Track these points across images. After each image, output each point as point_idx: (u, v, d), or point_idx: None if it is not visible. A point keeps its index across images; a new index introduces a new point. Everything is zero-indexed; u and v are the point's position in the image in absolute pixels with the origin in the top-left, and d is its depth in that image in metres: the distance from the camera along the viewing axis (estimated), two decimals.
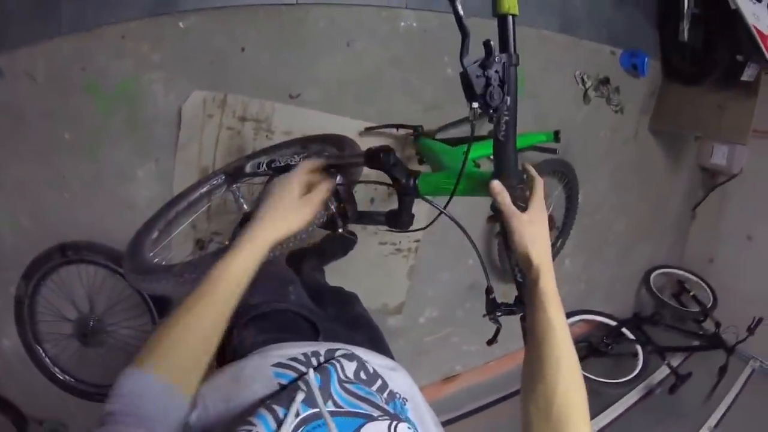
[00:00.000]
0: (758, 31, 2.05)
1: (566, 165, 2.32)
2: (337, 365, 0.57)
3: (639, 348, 2.74)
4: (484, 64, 0.61)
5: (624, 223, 3.09)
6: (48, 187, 1.58)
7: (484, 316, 0.83)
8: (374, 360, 0.65)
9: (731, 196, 3.33)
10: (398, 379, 0.65)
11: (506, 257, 0.78)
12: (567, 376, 0.58)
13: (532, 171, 0.72)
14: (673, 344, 2.88)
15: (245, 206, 1.24)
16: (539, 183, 0.70)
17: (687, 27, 2.42)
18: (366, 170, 0.91)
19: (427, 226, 0.85)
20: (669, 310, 3.19)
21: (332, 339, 0.76)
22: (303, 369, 0.56)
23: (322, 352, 0.61)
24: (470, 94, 0.61)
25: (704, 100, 2.57)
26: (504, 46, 0.62)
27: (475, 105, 0.62)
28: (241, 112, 1.65)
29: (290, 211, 0.73)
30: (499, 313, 0.81)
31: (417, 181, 0.86)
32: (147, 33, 1.51)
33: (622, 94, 2.64)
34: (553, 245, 2.50)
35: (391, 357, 0.98)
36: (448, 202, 0.78)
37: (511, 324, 0.81)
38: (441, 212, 0.79)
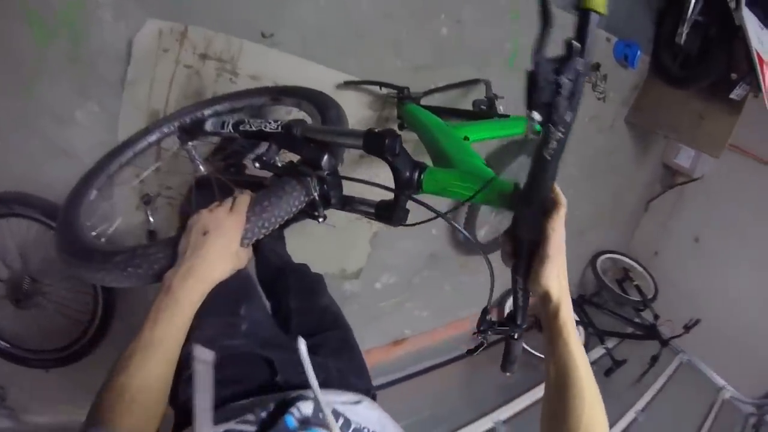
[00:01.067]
0: (759, 58, 2.05)
1: None
2: (294, 412, 0.57)
3: (580, 329, 2.88)
4: (560, 68, 0.49)
5: (583, 207, 3.17)
6: None
7: (474, 333, 0.75)
8: (335, 398, 0.65)
9: (687, 198, 3.47)
10: (363, 412, 0.65)
11: (511, 268, 0.68)
12: (589, 406, 0.58)
13: (561, 194, 0.62)
14: (613, 329, 3.06)
15: (201, 168, 1.09)
16: (564, 207, 0.61)
17: (686, 31, 2.40)
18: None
19: (419, 223, 0.75)
20: (610, 294, 3.37)
21: (291, 371, 0.73)
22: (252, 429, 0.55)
23: (272, 406, 0.60)
24: (534, 100, 0.50)
25: (686, 106, 2.60)
26: (581, 49, 0.49)
27: (537, 116, 0.51)
28: (203, 48, 1.42)
29: (237, 254, 0.68)
30: (490, 332, 0.74)
31: (422, 177, 0.74)
32: None
33: (609, 83, 2.63)
34: None
35: (360, 357, 0.97)
36: (453, 210, 0.68)
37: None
38: (460, 231, 0.71)
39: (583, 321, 2.95)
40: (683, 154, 3.17)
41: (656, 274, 3.47)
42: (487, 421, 2.48)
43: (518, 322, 0.72)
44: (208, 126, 1.00)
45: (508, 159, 2.15)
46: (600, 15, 0.48)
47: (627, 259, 3.63)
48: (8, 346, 1.62)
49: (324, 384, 0.60)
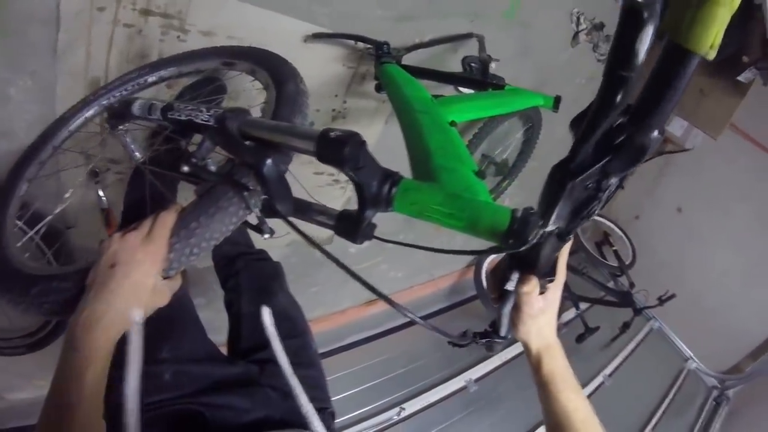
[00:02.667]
0: None
1: (537, 112, 2.15)
2: None
3: None
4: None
5: None
6: None
7: (449, 343, 0.69)
8: None
9: (674, 167, 3.37)
10: None
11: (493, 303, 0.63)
12: None
13: (563, 270, 0.60)
14: (586, 293, 3.07)
15: (136, 154, 0.91)
16: (562, 282, 0.61)
17: None
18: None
19: (392, 242, 0.64)
20: (588, 256, 3.35)
21: (226, 414, 0.67)
22: None
23: None
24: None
25: None
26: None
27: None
28: (144, 2, 1.19)
29: (155, 290, 0.57)
30: (472, 343, 0.67)
31: (394, 193, 0.60)
32: None
33: (610, 44, 2.43)
34: (498, 186, 2.47)
35: (319, 367, 0.92)
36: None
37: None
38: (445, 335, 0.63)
39: None
40: (676, 123, 3.04)
41: (636, 240, 3.45)
42: (459, 380, 2.54)
43: (501, 334, 0.66)
44: (136, 109, 0.82)
45: (503, 117, 1.99)
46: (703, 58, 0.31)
47: (607, 222, 3.58)
48: None
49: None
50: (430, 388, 2.42)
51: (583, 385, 2.75)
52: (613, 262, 3.34)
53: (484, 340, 0.67)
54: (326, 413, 0.82)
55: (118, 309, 0.53)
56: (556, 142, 2.72)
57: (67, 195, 1.14)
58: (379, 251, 2.43)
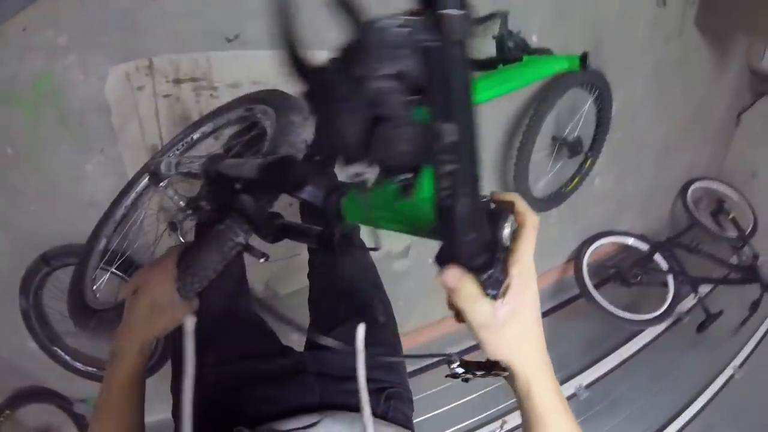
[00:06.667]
0: None
1: (597, 74, 1.97)
2: None
3: (670, 278, 2.55)
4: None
5: (662, 130, 2.75)
6: (12, 206, 1.50)
7: (447, 376, 0.59)
8: (285, 426, 0.66)
9: None
10: None
11: None
12: None
13: (522, 207, 0.42)
14: (706, 274, 2.66)
15: (182, 203, 1.04)
16: (529, 233, 0.42)
17: None
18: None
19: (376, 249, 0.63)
20: (704, 231, 2.91)
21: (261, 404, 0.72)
22: None
23: None
24: None
25: None
26: None
27: None
28: (173, 73, 1.39)
29: (172, 307, 0.66)
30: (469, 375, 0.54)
31: (341, 206, 0.57)
32: (45, 16, 1.27)
33: None
34: (581, 167, 2.27)
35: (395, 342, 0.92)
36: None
37: None
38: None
39: (673, 269, 2.59)
40: None
41: (755, 200, 2.94)
42: (569, 387, 2.33)
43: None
44: (163, 168, 0.95)
45: (557, 92, 1.84)
46: None
47: (721, 186, 3.10)
48: (94, 370, 1.79)
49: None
50: None
51: (709, 381, 2.38)
52: (733, 233, 2.87)
53: (479, 373, 0.51)
54: (392, 393, 0.79)
55: (140, 322, 0.65)
56: (636, 103, 2.46)
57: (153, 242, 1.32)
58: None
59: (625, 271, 2.58)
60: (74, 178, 1.48)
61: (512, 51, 1.53)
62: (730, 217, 2.95)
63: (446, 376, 0.52)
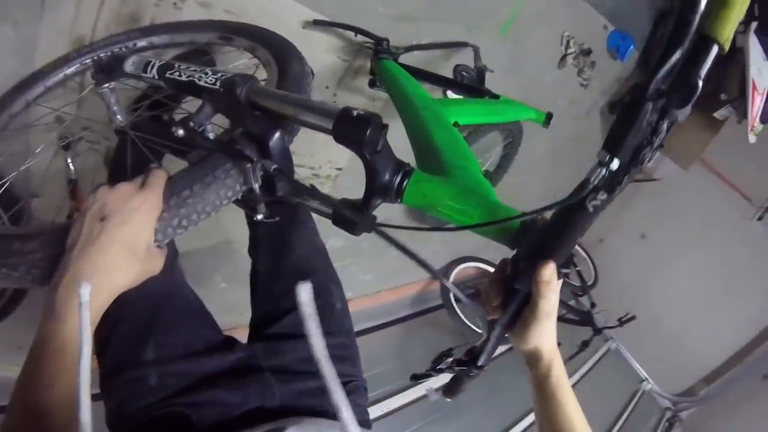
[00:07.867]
0: (754, 87, 2.01)
1: (518, 127, 2.18)
2: None
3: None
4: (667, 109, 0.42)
5: (541, 188, 3.16)
6: None
7: (428, 371, 0.64)
8: None
9: (641, 195, 3.53)
10: None
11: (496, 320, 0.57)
12: None
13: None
14: None
15: (119, 117, 0.83)
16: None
17: None
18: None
19: (399, 228, 0.58)
20: None
21: (214, 410, 0.63)
22: None
23: None
24: (627, 140, 0.44)
25: None
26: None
27: (615, 163, 0.45)
28: None
29: (148, 253, 0.50)
30: (446, 371, 0.62)
31: (405, 185, 0.58)
32: None
33: (595, 71, 2.53)
34: None
35: (348, 325, 0.87)
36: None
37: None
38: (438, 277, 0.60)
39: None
40: None
41: (599, 261, 3.57)
42: (421, 389, 2.51)
43: (480, 363, 0.60)
44: (129, 66, 0.75)
45: (486, 129, 2.00)
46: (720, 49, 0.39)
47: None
48: None
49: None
50: (388, 396, 2.38)
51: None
52: (576, 282, 3.44)
53: (459, 368, 0.61)
54: (351, 387, 0.76)
55: (108, 267, 0.46)
56: (533, 160, 2.80)
57: (37, 150, 1.04)
58: (352, 252, 2.38)
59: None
60: None
61: (480, 82, 1.64)
62: (576, 268, 3.52)
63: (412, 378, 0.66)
